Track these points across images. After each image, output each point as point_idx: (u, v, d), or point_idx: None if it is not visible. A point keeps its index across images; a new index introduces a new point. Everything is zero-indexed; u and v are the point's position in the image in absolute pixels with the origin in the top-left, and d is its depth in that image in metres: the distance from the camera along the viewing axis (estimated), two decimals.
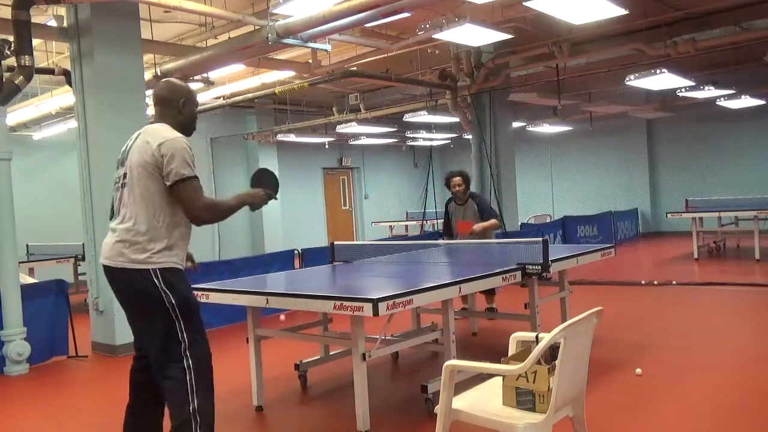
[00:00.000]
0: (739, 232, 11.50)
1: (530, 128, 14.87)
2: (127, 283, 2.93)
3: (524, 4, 5.86)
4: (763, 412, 3.75)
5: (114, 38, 6.20)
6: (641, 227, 15.68)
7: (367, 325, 3.63)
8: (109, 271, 2.98)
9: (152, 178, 2.89)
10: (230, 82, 10.15)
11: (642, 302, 7.42)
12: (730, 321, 6.31)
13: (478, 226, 6.35)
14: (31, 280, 7.36)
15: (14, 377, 5.60)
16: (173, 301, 2.90)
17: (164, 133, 2.94)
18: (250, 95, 10.82)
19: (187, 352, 2.90)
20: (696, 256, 10.71)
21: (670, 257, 11.40)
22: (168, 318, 2.89)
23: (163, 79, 3.38)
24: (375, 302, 3.23)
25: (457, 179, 6.66)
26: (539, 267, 4.38)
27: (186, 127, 3.09)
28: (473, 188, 8.13)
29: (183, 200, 2.90)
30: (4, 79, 5.70)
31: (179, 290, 2.93)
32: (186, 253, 3.12)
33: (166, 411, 3.09)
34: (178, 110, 3.08)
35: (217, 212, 3.04)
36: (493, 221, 6.48)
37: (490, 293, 6.70)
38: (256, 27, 6.65)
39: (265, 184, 3.30)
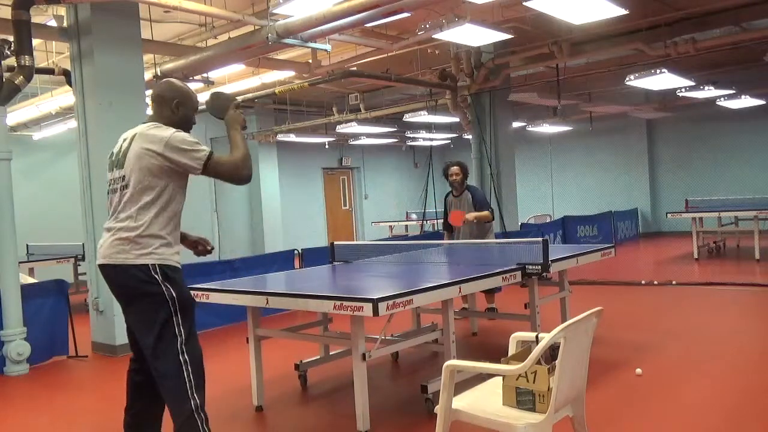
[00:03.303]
0: (739, 232, 11.50)
1: (530, 128, 14.87)
2: (126, 280, 2.93)
3: (524, 4, 5.86)
4: (763, 412, 3.75)
5: (114, 38, 6.20)
6: (641, 227, 15.68)
7: (367, 325, 3.63)
8: (107, 269, 2.99)
9: (156, 178, 2.92)
10: (230, 82, 10.15)
11: (642, 302, 7.42)
12: (730, 321, 6.31)
13: (470, 215, 6.41)
14: (31, 280, 7.36)
15: (14, 377, 5.60)
16: (173, 295, 2.91)
17: (159, 133, 2.95)
18: (250, 95, 10.82)
19: (184, 347, 2.90)
20: (696, 256, 10.71)
21: (670, 257, 11.40)
22: (167, 311, 2.90)
23: (164, 79, 3.39)
24: (375, 302, 3.23)
25: (455, 168, 6.71)
26: (539, 267, 4.38)
27: (178, 128, 3.06)
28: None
29: (219, 176, 3.01)
30: (4, 79, 5.69)
31: (179, 285, 2.97)
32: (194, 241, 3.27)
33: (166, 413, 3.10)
34: (171, 110, 3.10)
35: (245, 161, 3.03)
36: (485, 212, 6.50)
37: (490, 292, 6.71)
38: (256, 27, 6.65)
39: (223, 103, 3.26)
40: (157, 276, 2.90)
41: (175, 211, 3.01)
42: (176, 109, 3.10)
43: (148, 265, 2.89)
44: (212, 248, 3.46)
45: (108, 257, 2.96)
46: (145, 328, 2.95)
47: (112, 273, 2.97)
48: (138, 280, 2.90)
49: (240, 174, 3.03)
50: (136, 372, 3.14)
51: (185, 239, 3.33)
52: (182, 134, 2.96)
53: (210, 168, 2.95)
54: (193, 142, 2.95)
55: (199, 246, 3.39)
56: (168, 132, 2.95)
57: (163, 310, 2.90)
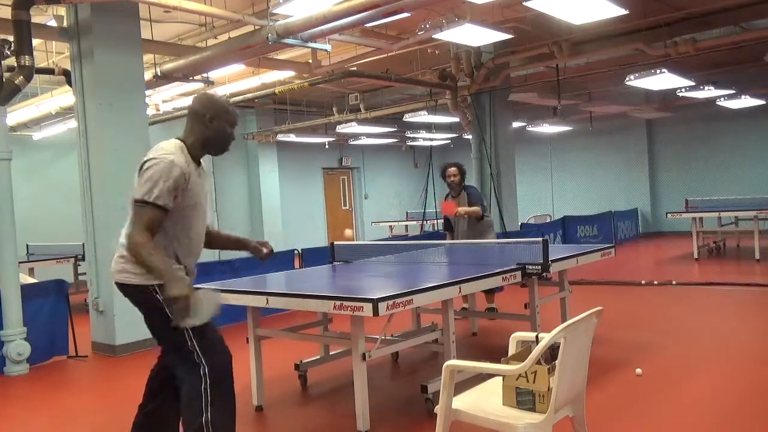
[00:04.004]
0: (739, 232, 11.50)
1: (530, 128, 14.86)
2: (130, 297, 2.92)
3: (524, 4, 5.86)
4: (763, 412, 3.75)
5: (114, 38, 6.20)
6: (641, 227, 15.68)
7: (367, 325, 3.63)
8: (116, 285, 2.95)
9: None
10: (230, 82, 10.14)
11: (642, 302, 7.42)
12: (730, 321, 6.31)
13: (461, 209, 6.48)
14: (31, 280, 7.36)
15: (14, 377, 5.60)
16: None
17: (158, 151, 2.86)
18: (250, 95, 10.82)
19: (203, 359, 2.83)
20: (696, 256, 10.71)
21: (670, 257, 11.40)
22: (176, 329, 2.83)
23: (202, 92, 3.31)
24: (375, 302, 3.23)
25: (453, 169, 6.72)
26: (539, 267, 4.38)
27: (211, 143, 2.99)
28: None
29: (132, 223, 2.78)
30: (4, 79, 5.69)
31: None
32: (194, 260, 3.04)
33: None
34: (204, 125, 2.97)
35: (138, 252, 2.73)
36: (475, 208, 6.54)
37: (490, 292, 6.71)
38: (256, 27, 6.65)
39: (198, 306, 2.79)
40: (158, 296, 2.81)
41: (173, 232, 2.88)
42: (209, 123, 2.97)
43: (147, 285, 2.82)
44: (271, 248, 3.45)
45: (113, 274, 2.93)
46: (161, 342, 2.97)
47: (120, 289, 2.94)
48: (141, 299, 2.87)
49: (128, 242, 2.76)
50: (159, 370, 3.10)
51: (247, 246, 3.36)
52: (162, 167, 2.76)
53: (135, 210, 2.76)
54: (159, 180, 2.74)
55: (264, 249, 3.37)
56: (168, 154, 2.82)
57: (172, 328, 2.83)
